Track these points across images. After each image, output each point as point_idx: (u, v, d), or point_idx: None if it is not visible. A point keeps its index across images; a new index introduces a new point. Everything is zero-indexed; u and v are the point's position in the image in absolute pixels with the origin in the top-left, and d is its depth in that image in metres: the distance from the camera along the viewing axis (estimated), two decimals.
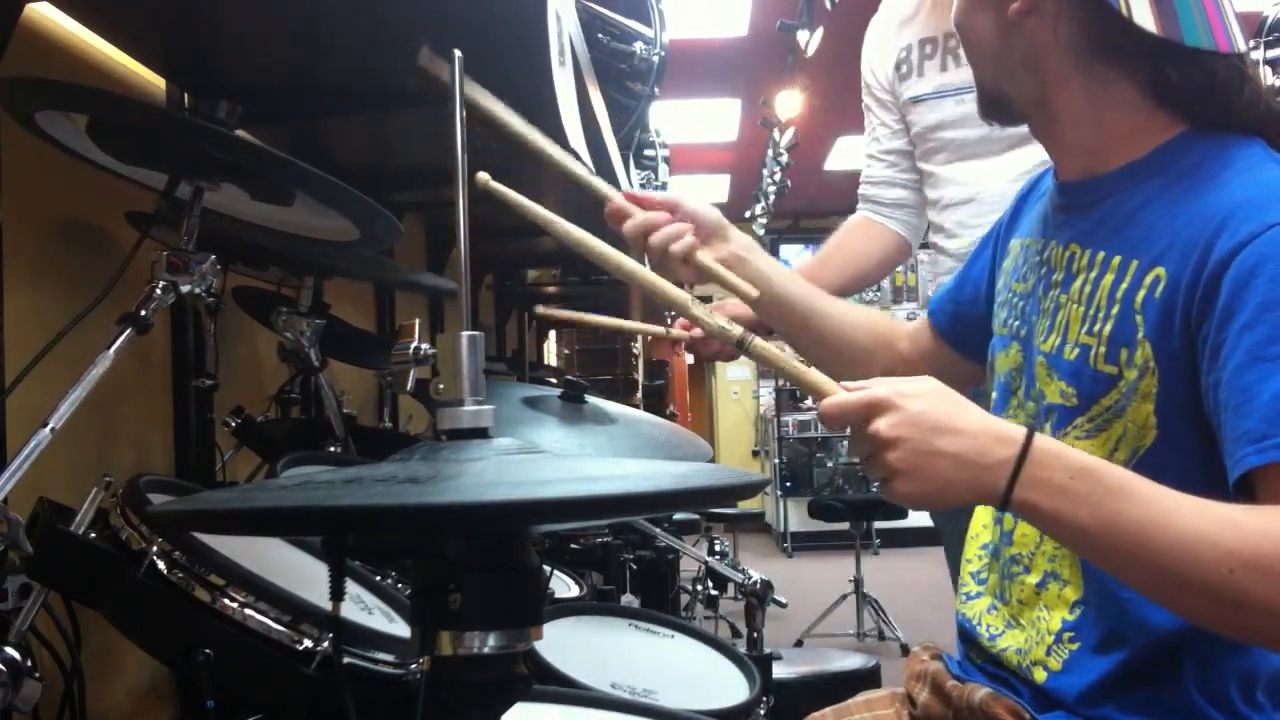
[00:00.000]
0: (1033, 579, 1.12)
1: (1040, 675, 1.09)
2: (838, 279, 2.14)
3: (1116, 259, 1.05)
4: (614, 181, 1.98)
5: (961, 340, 1.33)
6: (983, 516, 1.25)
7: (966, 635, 1.21)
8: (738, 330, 1.07)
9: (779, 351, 1.07)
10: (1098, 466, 0.94)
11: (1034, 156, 1.69)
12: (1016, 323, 1.19)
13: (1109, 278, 1.05)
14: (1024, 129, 1.19)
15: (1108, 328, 1.03)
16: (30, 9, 1.29)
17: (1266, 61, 2.97)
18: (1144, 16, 1.01)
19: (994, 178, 1.89)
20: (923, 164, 2.07)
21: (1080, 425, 1.06)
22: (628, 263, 1.11)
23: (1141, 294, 1.01)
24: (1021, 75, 1.12)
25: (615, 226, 1.25)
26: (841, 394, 0.98)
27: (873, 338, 1.38)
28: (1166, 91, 1.05)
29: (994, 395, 1.23)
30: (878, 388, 0.96)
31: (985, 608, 1.19)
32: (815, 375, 1.04)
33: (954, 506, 0.98)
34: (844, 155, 8.27)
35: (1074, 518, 0.92)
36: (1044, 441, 0.94)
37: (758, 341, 1.07)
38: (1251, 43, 2.93)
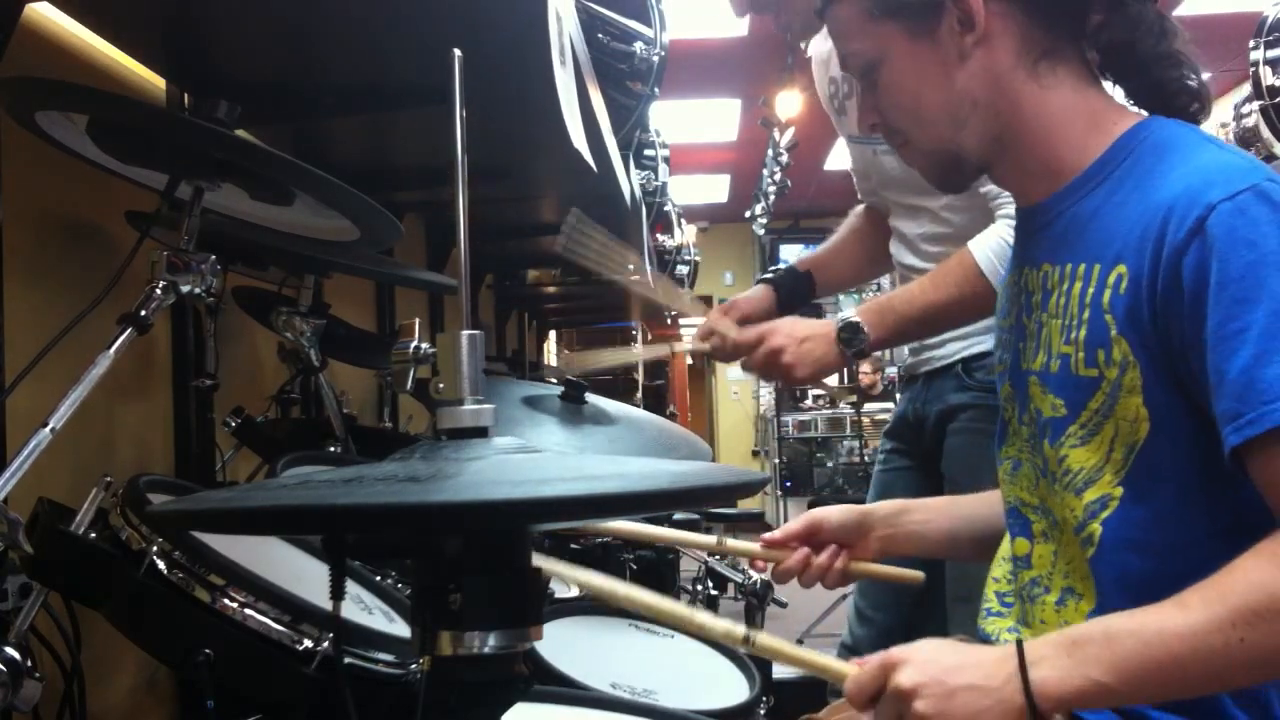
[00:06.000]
0: (1052, 598, 1.13)
1: None
2: (850, 270, 2.18)
3: (1082, 267, 1.08)
4: (614, 183, 1.98)
5: None
6: (1007, 540, 1.26)
7: (986, 644, 1.22)
8: (741, 630, 1.08)
9: (783, 643, 1.09)
10: (1083, 630, 0.97)
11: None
12: (1007, 356, 1.21)
13: (1078, 286, 1.08)
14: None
15: (1082, 333, 1.06)
16: (30, 9, 1.29)
17: (1267, 61, 2.97)
18: None
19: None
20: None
21: (1073, 434, 1.08)
22: (680, 610, 1.12)
23: (1108, 294, 1.04)
24: (975, 119, 1.14)
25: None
26: (854, 670, 1.02)
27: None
28: (1097, 45, 1.12)
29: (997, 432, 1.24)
30: (883, 653, 1.00)
31: (1006, 628, 1.20)
32: (824, 659, 1.07)
33: None
34: (844, 155, 8.16)
35: (1093, 682, 0.94)
36: (1031, 642, 0.97)
37: (760, 637, 1.08)
38: (1251, 42, 2.93)
